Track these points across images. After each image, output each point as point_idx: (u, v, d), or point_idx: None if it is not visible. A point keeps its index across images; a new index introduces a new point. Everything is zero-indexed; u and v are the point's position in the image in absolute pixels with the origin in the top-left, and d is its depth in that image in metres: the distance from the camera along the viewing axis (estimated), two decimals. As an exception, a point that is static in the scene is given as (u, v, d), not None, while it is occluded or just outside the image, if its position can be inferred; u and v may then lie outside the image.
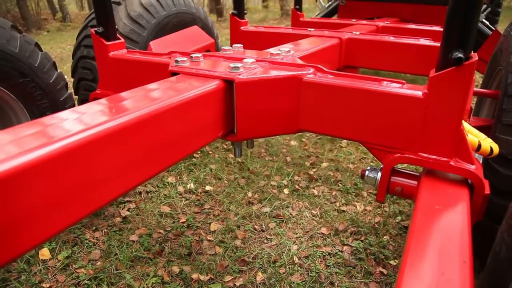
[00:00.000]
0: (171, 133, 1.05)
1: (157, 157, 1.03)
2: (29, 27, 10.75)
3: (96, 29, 1.69)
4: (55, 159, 0.74)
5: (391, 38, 2.19)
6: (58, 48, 7.14)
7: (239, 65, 1.20)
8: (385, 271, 1.61)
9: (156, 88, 1.13)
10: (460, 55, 0.99)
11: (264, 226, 1.90)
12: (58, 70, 1.85)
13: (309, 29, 2.43)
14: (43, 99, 1.72)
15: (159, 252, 1.72)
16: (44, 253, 1.70)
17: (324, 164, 2.47)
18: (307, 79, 1.23)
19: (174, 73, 1.30)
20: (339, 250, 1.73)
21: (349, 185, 2.24)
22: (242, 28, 2.60)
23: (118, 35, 2.01)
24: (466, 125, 1.28)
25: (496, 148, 1.18)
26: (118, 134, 0.88)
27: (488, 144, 1.17)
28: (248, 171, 2.41)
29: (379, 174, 1.24)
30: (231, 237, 1.83)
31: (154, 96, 1.05)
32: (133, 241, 1.78)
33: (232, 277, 1.59)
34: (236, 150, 1.35)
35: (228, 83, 1.19)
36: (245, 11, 2.63)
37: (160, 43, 2.10)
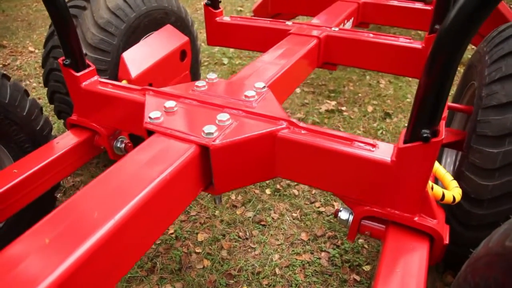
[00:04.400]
0: (160, 206, 1.11)
1: (151, 231, 1.11)
2: (-13, -25, 9.79)
3: (63, 60, 1.63)
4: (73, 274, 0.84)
5: (370, 36, 2.16)
6: (23, 7, 6.61)
7: (213, 129, 1.21)
8: (358, 278, 1.78)
9: (140, 161, 1.15)
10: (428, 134, 1.03)
11: (248, 233, 2.03)
12: (31, 93, 1.80)
13: (287, 22, 2.35)
14: (19, 133, 1.70)
15: (152, 269, 1.85)
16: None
17: (305, 157, 2.55)
18: (281, 135, 1.26)
19: (149, 131, 1.30)
20: (317, 258, 1.88)
21: (328, 181, 2.34)
22: (217, 19, 2.50)
23: (88, 46, 1.95)
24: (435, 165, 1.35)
25: (458, 197, 1.27)
26: (122, 227, 0.97)
27: (451, 193, 1.26)
28: (232, 168, 2.48)
29: (351, 218, 1.33)
30: (217, 247, 1.96)
31: (142, 177, 1.08)
32: (126, 258, 1.90)
33: (220, 291, 1.75)
34: (216, 199, 1.41)
35: (204, 147, 1.22)
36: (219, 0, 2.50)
37: (132, 54, 2.03)
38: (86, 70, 1.66)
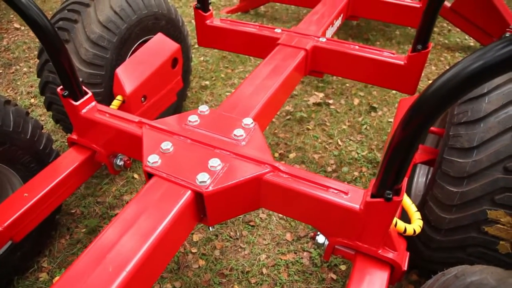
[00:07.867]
0: (164, 248, 1.30)
1: (156, 271, 1.31)
2: None
3: (62, 91, 1.72)
4: None
5: (356, 48, 2.24)
6: (2, -31, 6.31)
7: (206, 177, 1.36)
8: (334, 277, 2.04)
9: (144, 209, 1.31)
10: (390, 195, 1.20)
11: (238, 234, 2.25)
12: (31, 114, 1.90)
13: (276, 29, 2.40)
14: (25, 155, 1.83)
15: (153, 269, 2.08)
16: (43, 276, 2.03)
17: (292, 155, 2.72)
18: (266, 178, 1.43)
19: (149, 174, 1.45)
20: (300, 258, 2.13)
21: (313, 180, 2.54)
22: (208, 22, 2.54)
23: (82, 61, 2.03)
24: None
25: (418, 229, 1.46)
26: (133, 276, 1.16)
27: (412, 227, 1.45)
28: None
29: (326, 242, 1.54)
30: (211, 247, 2.19)
31: (148, 226, 1.26)
32: (129, 259, 2.12)
33: (214, 289, 2.00)
34: (209, 226, 1.59)
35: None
36: (209, 1, 2.51)
37: (126, 69, 2.11)
38: (84, 98, 1.76)
